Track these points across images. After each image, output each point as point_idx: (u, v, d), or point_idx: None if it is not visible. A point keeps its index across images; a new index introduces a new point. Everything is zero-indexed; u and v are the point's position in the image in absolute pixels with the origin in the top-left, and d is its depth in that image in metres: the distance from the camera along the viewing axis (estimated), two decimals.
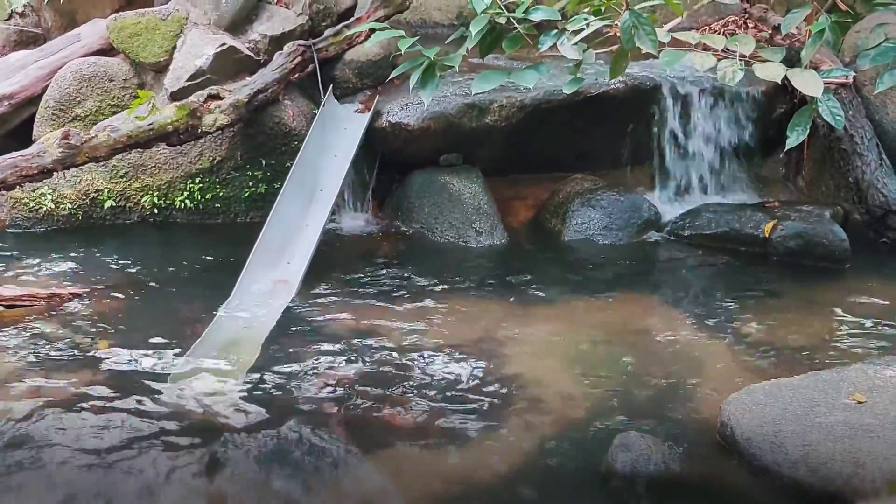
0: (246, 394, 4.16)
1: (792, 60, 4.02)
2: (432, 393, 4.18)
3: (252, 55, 6.51)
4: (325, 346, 4.65)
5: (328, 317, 5.00)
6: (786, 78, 3.60)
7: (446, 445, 3.81)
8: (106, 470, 3.57)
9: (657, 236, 6.20)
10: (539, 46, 3.91)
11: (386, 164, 6.61)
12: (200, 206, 6.37)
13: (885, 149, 6.20)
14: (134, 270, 5.62)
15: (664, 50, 3.63)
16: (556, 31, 3.89)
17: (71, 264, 5.67)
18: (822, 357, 4.52)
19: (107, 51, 6.78)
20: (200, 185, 6.34)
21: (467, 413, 4.02)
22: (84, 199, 6.32)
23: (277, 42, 6.57)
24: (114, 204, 6.32)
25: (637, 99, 6.48)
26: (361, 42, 6.66)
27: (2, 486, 3.47)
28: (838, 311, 5.07)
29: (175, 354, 4.52)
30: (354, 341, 4.71)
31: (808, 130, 3.66)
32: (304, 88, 6.63)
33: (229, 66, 6.38)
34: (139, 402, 4.06)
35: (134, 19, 6.57)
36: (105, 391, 4.15)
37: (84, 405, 4.02)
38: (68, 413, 3.95)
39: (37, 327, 4.80)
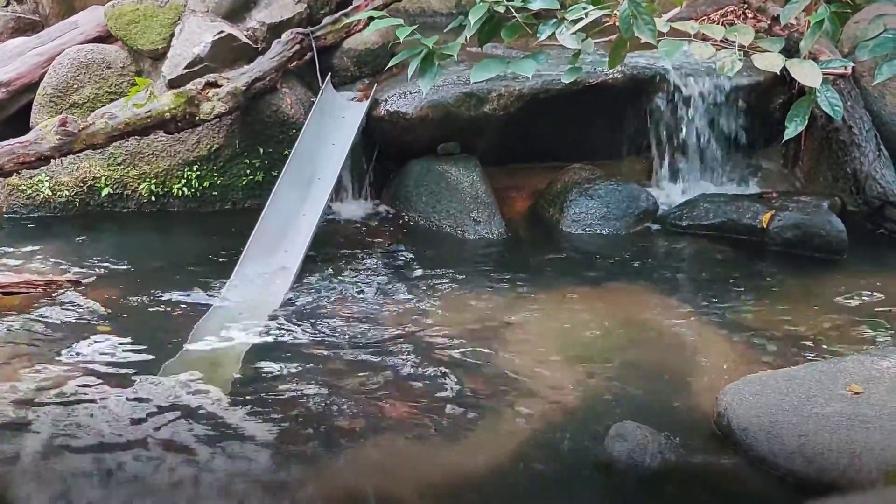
0: (240, 381, 4.17)
1: (791, 51, 4.02)
2: (427, 382, 4.18)
3: (250, 43, 6.50)
4: (321, 335, 4.65)
5: (324, 305, 5.00)
6: (784, 68, 3.60)
7: (441, 435, 3.81)
8: (101, 456, 3.58)
9: (655, 226, 6.19)
10: (538, 35, 3.91)
11: (384, 152, 6.60)
12: (198, 194, 6.36)
13: (883, 140, 6.20)
14: (131, 258, 5.61)
15: (663, 40, 3.63)
16: (555, 20, 3.89)
17: (68, 251, 5.67)
18: (819, 348, 4.53)
19: (105, 38, 6.77)
20: (198, 172, 6.33)
21: (463, 402, 4.02)
22: (81, 187, 6.31)
23: (276, 30, 6.56)
24: (111, 191, 6.31)
25: (636, 88, 6.47)
26: (360, 30, 6.65)
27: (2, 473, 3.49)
28: (835, 301, 5.07)
29: (172, 342, 4.52)
30: (350, 330, 4.71)
31: (806, 121, 3.66)
32: (302, 77, 6.62)
33: (227, 53, 6.37)
34: (135, 389, 4.06)
35: (132, 6, 6.56)
36: (102, 378, 4.15)
37: (81, 392, 4.02)
38: (65, 399, 3.96)
39: (34, 314, 4.80)
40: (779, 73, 3.73)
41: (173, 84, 6.23)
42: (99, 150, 6.08)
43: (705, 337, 4.70)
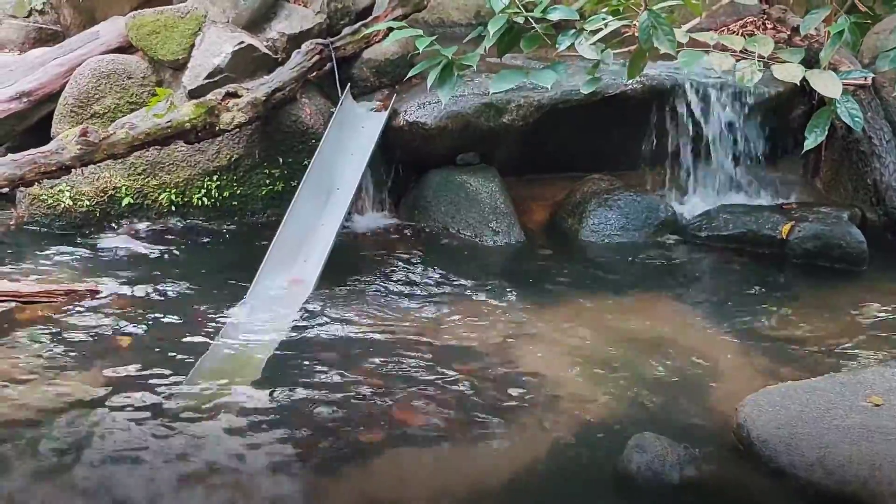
0: (259, 393, 4.17)
1: (811, 62, 4.00)
2: (446, 392, 4.18)
3: (270, 53, 6.52)
4: (340, 345, 4.65)
5: (343, 315, 5.00)
6: (804, 79, 3.59)
7: (461, 444, 3.81)
8: (118, 468, 3.59)
9: (674, 237, 6.18)
10: (557, 46, 3.91)
11: (403, 162, 6.61)
12: (218, 204, 6.38)
13: None
14: (151, 267, 5.63)
15: (682, 50, 3.63)
16: (574, 30, 3.89)
17: (88, 261, 5.69)
18: (839, 359, 4.51)
19: (125, 48, 6.79)
20: (218, 182, 6.35)
21: (482, 412, 4.02)
22: (102, 196, 6.33)
23: (295, 41, 6.58)
24: (131, 201, 6.33)
25: (654, 99, 6.47)
26: (379, 41, 6.66)
27: (19, 484, 3.49)
28: (855, 313, 5.06)
29: (192, 352, 4.53)
30: (369, 340, 4.72)
31: (826, 132, 3.65)
32: (322, 87, 6.64)
33: (247, 64, 6.39)
34: (155, 401, 4.07)
35: (153, 17, 6.59)
36: (119, 391, 4.15)
37: (97, 404, 4.04)
38: (85, 411, 3.97)
39: (54, 324, 4.82)
40: (798, 83, 3.73)
41: (194, 94, 6.25)
42: (119, 160, 6.09)
43: (724, 348, 4.69)
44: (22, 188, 5.91)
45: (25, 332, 4.71)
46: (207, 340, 4.67)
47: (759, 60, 3.65)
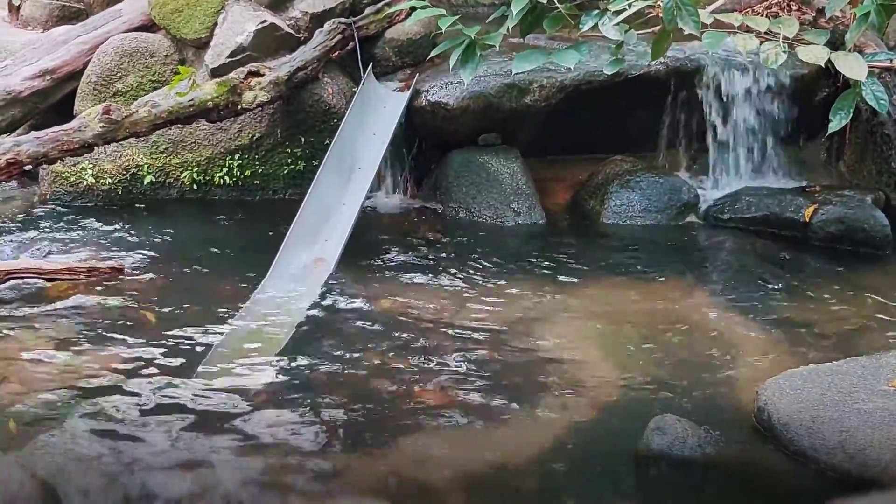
0: (279, 372, 4.18)
1: (836, 44, 3.97)
2: (468, 372, 4.19)
3: (293, 32, 6.51)
4: (361, 325, 4.66)
5: (365, 295, 5.01)
6: (829, 61, 3.56)
7: (481, 424, 3.81)
8: (141, 444, 3.60)
9: (696, 219, 6.16)
10: (580, 26, 3.89)
11: (424, 143, 6.60)
12: (239, 183, 6.39)
13: None
14: (173, 246, 5.65)
15: (706, 31, 3.61)
16: (597, 11, 3.87)
17: (110, 239, 5.71)
18: (861, 343, 4.50)
19: (148, 27, 6.80)
20: (240, 161, 6.36)
21: (502, 393, 4.02)
22: (124, 175, 6.35)
23: (318, 19, 6.56)
24: (153, 179, 6.35)
25: (678, 80, 6.43)
26: (402, 20, 6.65)
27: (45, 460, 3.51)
28: (878, 296, 5.04)
29: (213, 330, 4.54)
30: (390, 320, 4.72)
31: (850, 115, 3.63)
32: (344, 66, 6.63)
33: (270, 43, 6.38)
34: (176, 380, 4.09)
35: None
36: (139, 369, 4.18)
37: (124, 380, 4.06)
38: (109, 387, 4.00)
39: (76, 301, 4.84)
40: (823, 65, 3.70)
41: (216, 73, 6.25)
42: (142, 139, 6.11)
43: (746, 331, 4.68)
44: (45, 166, 5.93)
45: (46, 310, 4.73)
46: (229, 318, 4.69)
47: (783, 42, 3.63)
